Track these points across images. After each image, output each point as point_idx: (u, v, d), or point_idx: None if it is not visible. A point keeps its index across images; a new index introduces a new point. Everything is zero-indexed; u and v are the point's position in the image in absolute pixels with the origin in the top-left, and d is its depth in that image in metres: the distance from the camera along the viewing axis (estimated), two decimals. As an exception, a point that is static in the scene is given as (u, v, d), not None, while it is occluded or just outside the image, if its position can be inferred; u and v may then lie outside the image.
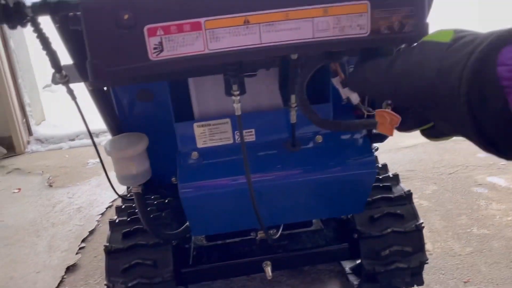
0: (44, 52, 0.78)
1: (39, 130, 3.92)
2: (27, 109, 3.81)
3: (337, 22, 0.64)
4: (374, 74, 0.60)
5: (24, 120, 3.75)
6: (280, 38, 0.66)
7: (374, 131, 1.07)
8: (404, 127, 0.65)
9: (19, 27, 0.67)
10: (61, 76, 0.82)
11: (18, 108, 3.67)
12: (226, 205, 1.08)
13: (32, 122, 3.85)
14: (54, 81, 0.84)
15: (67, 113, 4.31)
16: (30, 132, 3.82)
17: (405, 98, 0.53)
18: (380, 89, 0.58)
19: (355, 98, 0.95)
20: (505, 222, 1.87)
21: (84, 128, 3.58)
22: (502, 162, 2.38)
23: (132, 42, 0.63)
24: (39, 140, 3.82)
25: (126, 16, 0.60)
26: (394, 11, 0.62)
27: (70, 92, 0.87)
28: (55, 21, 0.72)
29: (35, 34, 0.74)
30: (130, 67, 0.64)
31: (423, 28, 0.62)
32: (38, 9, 0.66)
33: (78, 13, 0.71)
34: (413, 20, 0.62)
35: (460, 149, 2.58)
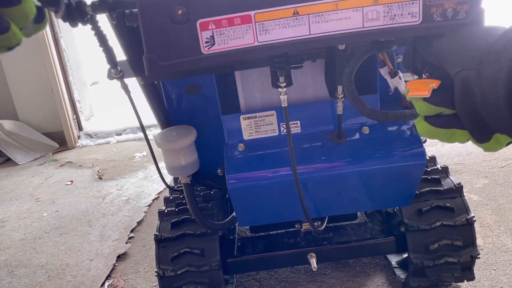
0: (101, 49, 0.82)
1: (88, 125, 4.11)
2: (77, 105, 3.99)
3: (387, 11, 0.64)
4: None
5: (75, 116, 3.94)
6: (330, 28, 0.66)
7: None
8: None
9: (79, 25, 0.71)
10: (116, 71, 0.85)
11: (69, 104, 3.85)
12: (272, 197, 1.09)
13: (82, 118, 4.03)
14: (110, 76, 0.88)
15: (113, 109, 4.49)
16: (80, 128, 4.00)
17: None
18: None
19: (403, 88, 0.93)
20: None
21: (129, 124, 3.69)
22: (560, 154, 2.26)
23: (186, 36, 0.65)
24: (89, 135, 4.00)
25: (180, 12, 0.63)
26: (448, -3, 0.61)
27: (125, 86, 0.91)
28: (112, 18, 0.75)
29: (93, 32, 0.78)
30: (183, 60, 0.66)
31: (479, 14, 0.60)
32: (98, 7, 0.70)
33: (134, 10, 0.74)
34: (467, 6, 0.61)
35: (513, 141, 2.46)
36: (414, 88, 0.58)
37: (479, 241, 1.65)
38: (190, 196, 1.12)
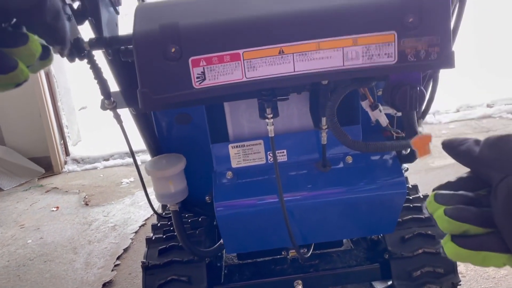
0: (95, 81, 0.86)
1: (76, 150, 4.10)
2: (65, 130, 3.99)
3: (366, 51, 0.69)
4: None
5: (62, 141, 3.93)
6: (313, 66, 0.71)
7: (404, 152, 1.10)
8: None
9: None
10: (110, 102, 0.89)
11: (57, 129, 3.85)
12: (259, 224, 1.12)
13: (69, 143, 4.02)
14: (103, 106, 0.91)
15: (101, 134, 4.50)
16: (67, 153, 3.99)
17: None
18: None
19: (383, 120, 0.99)
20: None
21: (117, 149, 3.68)
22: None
23: (178, 72, 0.69)
24: (75, 160, 3.99)
25: (173, 49, 0.67)
26: (420, 40, 0.67)
27: (117, 117, 0.95)
28: (108, 54, 0.79)
29: (89, 66, 0.82)
30: (175, 94, 0.70)
31: (449, 56, 0.66)
32: (95, 43, 0.74)
33: (130, 46, 0.79)
34: (438, 49, 0.66)
35: (493, 169, 2.54)
36: (418, 148, 0.64)
37: (461, 268, 1.68)
38: (178, 223, 1.14)
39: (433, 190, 0.47)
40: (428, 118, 3.58)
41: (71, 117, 4.19)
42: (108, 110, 0.93)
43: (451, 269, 1.27)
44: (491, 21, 5.37)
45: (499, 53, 4.80)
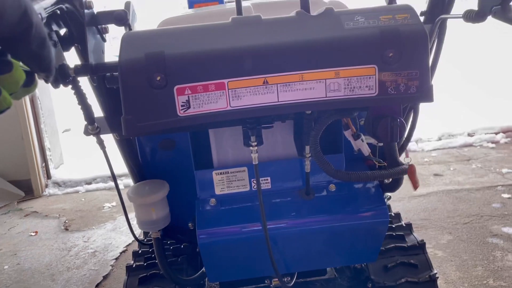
0: (79, 107, 0.86)
1: (57, 173, 4.02)
2: (47, 153, 3.93)
3: (347, 83, 0.71)
4: None
5: (44, 164, 3.86)
6: (296, 97, 0.72)
7: (386, 180, 1.11)
8: None
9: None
10: (93, 128, 0.88)
11: (39, 152, 3.79)
12: (242, 252, 1.10)
13: (51, 166, 3.96)
14: (86, 132, 0.91)
15: (84, 157, 4.44)
16: (48, 176, 3.92)
17: None
18: None
19: (366, 149, 1.00)
20: (523, 274, 1.84)
21: (100, 172, 3.62)
22: (517, 212, 2.37)
23: (163, 100, 0.69)
24: (57, 184, 3.91)
25: (158, 78, 0.68)
26: (400, 74, 0.69)
27: (100, 142, 0.94)
28: (93, 80, 0.79)
29: (73, 91, 0.82)
30: (159, 122, 0.70)
31: (428, 90, 0.68)
32: (80, 70, 0.74)
33: (115, 73, 0.79)
34: (417, 82, 0.68)
35: (475, 198, 2.57)
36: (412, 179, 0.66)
37: (444, 297, 1.68)
38: (160, 250, 1.12)
39: None
40: (411, 145, 3.64)
41: (54, 140, 4.14)
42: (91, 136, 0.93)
43: (434, 298, 1.27)
44: (472, 53, 5.56)
45: (481, 83, 4.96)
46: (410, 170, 0.81)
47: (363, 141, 0.97)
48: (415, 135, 1.11)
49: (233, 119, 0.73)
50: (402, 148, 1.12)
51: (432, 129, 3.93)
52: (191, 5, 2.34)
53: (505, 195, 2.59)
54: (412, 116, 1.02)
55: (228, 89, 0.71)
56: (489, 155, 3.39)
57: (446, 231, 2.26)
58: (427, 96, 0.68)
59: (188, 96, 0.70)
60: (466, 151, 3.54)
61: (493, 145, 3.59)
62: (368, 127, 0.84)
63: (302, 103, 0.73)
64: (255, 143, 0.92)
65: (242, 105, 0.72)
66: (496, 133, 3.78)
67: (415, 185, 0.83)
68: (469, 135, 3.88)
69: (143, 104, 0.69)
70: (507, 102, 4.27)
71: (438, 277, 1.28)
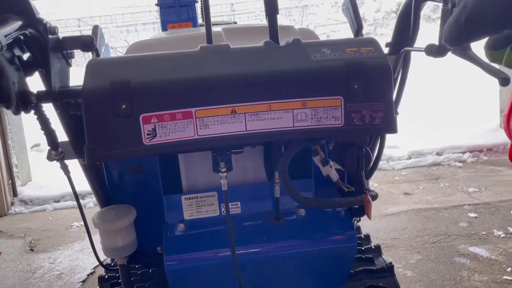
0: (42, 132, 0.84)
1: (25, 191, 3.89)
2: (14, 170, 3.80)
3: (314, 114, 0.72)
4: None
5: (10, 181, 3.73)
6: (264, 126, 0.72)
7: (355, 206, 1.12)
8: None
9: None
10: (57, 153, 0.86)
11: (5, 169, 3.66)
12: (211, 278, 1.09)
13: (18, 183, 3.83)
14: (50, 157, 0.88)
15: (53, 173, 4.31)
16: (15, 193, 3.78)
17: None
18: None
19: (334, 175, 1.01)
20: (489, 294, 1.88)
21: (69, 190, 3.52)
22: (483, 232, 2.43)
23: (128, 129, 0.68)
24: (24, 201, 3.78)
25: (124, 106, 0.67)
26: (365, 106, 0.70)
27: (64, 167, 0.92)
28: (56, 107, 0.78)
29: (36, 117, 0.79)
30: (124, 151, 0.69)
31: (392, 121, 0.69)
32: (42, 97, 0.72)
33: (79, 100, 0.77)
34: (382, 114, 0.70)
35: (443, 217, 2.63)
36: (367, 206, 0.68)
37: (413, 319, 1.69)
38: (126, 277, 1.09)
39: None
40: (382, 164, 3.71)
41: (22, 156, 4.01)
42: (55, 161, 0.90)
43: (402, 322, 1.28)
44: (441, 77, 5.76)
45: (448, 105, 5.12)
46: (366, 202, 0.83)
47: (331, 167, 0.98)
48: (386, 154, 1.13)
49: (200, 148, 0.73)
50: (371, 173, 1.13)
51: (402, 148, 4.02)
52: (164, 25, 2.34)
53: (472, 214, 2.65)
54: (378, 144, 1.04)
55: (196, 117, 0.71)
56: (456, 174, 3.48)
57: (415, 250, 2.29)
58: (391, 127, 0.69)
59: (155, 125, 0.70)
60: (435, 170, 3.62)
61: (461, 164, 3.70)
62: (335, 155, 0.85)
63: (270, 132, 0.73)
64: (225, 169, 0.92)
65: (210, 134, 0.72)
66: (463, 153, 3.90)
67: (369, 217, 0.87)
68: (438, 154, 3.98)
69: (107, 132, 0.68)
70: (473, 122, 4.42)
71: (406, 300, 1.29)
